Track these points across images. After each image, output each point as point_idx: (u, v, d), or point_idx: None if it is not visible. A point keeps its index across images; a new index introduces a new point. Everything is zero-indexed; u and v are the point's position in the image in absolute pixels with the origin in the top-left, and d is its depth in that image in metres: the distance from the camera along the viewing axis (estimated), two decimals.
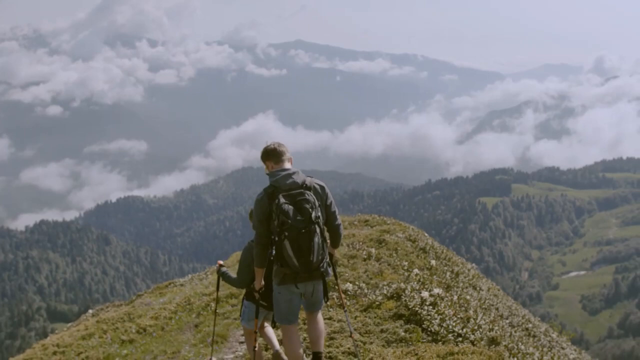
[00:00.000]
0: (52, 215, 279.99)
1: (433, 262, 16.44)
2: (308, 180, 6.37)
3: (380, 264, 14.66)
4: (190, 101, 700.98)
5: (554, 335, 18.95)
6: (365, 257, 15.31)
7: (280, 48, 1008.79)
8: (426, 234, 22.35)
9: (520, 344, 11.06)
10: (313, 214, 6.05)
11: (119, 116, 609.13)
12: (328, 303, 11.03)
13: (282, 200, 6.04)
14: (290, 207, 6.01)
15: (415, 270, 13.79)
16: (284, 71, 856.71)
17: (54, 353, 12.34)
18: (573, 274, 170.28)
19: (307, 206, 6.06)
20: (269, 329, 7.59)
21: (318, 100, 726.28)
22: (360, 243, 17.06)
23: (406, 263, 15.18)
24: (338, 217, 6.64)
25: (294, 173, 6.33)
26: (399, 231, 19.79)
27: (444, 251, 20.24)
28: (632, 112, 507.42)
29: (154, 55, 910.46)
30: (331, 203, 6.54)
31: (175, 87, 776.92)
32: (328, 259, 6.41)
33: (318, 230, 6.08)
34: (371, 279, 12.88)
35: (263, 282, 6.70)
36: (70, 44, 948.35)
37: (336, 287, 8.02)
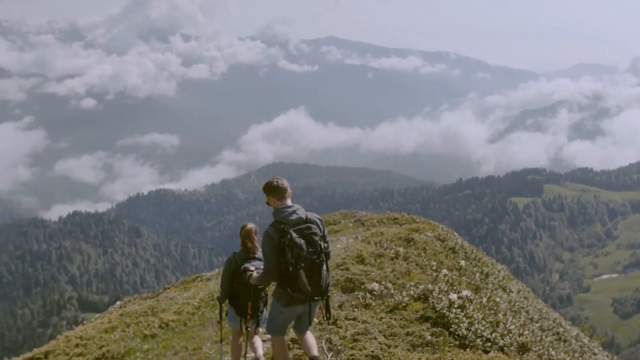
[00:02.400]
0: (84, 206, 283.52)
1: (462, 262, 16.12)
2: (309, 215, 6.97)
3: (408, 264, 14.38)
4: (222, 96, 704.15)
5: (586, 340, 18.53)
6: (393, 256, 15.04)
7: (312, 44, 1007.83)
8: (456, 234, 22.01)
9: (551, 349, 10.72)
10: (321, 245, 6.80)
11: (152, 110, 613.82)
12: (353, 303, 10.82)
13: (294, 235, 6.64)
14: (302, 240, 6.66)
15: (444, 271, 13.49)
16: (315, 67, 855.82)
17: (76, 345, 12.26)
18: (605, 276, 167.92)
19: (316, 238, 6.77)
20: (257, 339, 8.41)
21: (349, 96, 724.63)
22: (388, 241, 16.79)
23: (435, 263, 14.89)
24: (329, 245, 7.09)
25: (297, 209, 6.95)
26: (428, 230, 19.48)
27: (474, 251, 19.90)
28: None
29: (187, 50, 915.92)
30: (326, 233, 7.06)
31: (208, 81, 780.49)
32: (330, 280, 7.06)
33: (325, 258, 6.85)
34: (398, 278, 12.61)
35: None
36: (105, 38, 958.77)
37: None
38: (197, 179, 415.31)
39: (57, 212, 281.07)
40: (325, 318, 7.59)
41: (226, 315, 8.67)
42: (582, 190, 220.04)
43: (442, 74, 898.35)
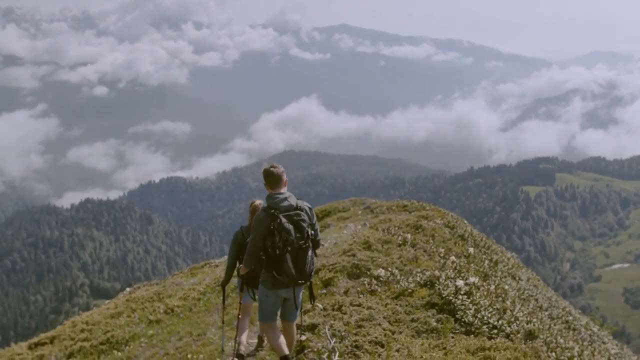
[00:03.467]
0: (96, 194, 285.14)
1: (471, 249, 16.00)
2: (300, 203, 7.29)
3: (415, 250, 14.27)
4: (234, 84, 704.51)
5: (595, 329, 18.41)
6: (401, 242, 14.93)
7: (324, 32, 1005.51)
8: (465, 221, 21.89)
9: (559, 337, 10.59)
10: (309, 232, 7.12)
11: (164, 98, 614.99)
12: (359, 289, 10.73)
13: (283, 220, 6.99)
14: (291, 226, 6.99)
15: (452, 258, 13.37)
16: (327, 55, 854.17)
17: (82, 330, 12.26)
18: (616, 266, 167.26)
19: (304, 225, 7.10)
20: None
21: (361, 85, 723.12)
22: (396, 228, 16.69)
23: (443, 250, 14.77)
24: (319, 233, 7.52)
25: (289, 196, 7.25)
26: (437, 217, 19.38)
27: (483, 239, 19.78)
28: None
29: (199, 37, 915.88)
30: (315, 222, 7.41)
31: (220, 69, 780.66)
32: (314, 266, 7.37)
33: (311, 245, 7.17)
34: (405, 265, 12.49)
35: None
36: (118, 26, 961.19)
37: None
38: (208, 167, 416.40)
39: (69, 199, 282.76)
40: (311, 302, 8.07)
41: (240, 290, 8.86)
42: (595, 180, 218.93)
43: (455, 62, 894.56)
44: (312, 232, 7.22)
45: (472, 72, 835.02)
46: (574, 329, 15.77)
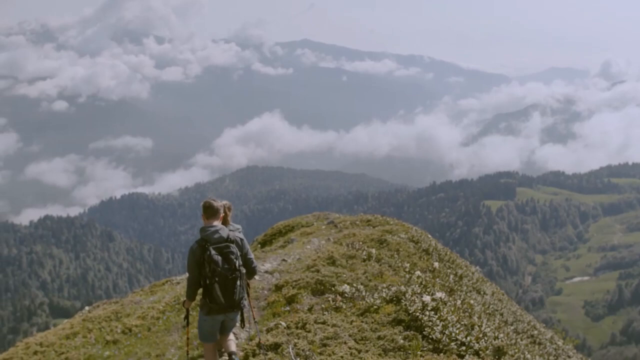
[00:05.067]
0: (56, 210, 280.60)
1: (436, 264, 15.84)
2: (231, 235, 7.76)
3: (380, 265, 14.06)
4: (196, 99, 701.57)
5: (560, 343, 18.40)
6: (365, 257, 14.71)
7: (286, 47, 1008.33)
8: (429, 236, 21.76)
9: (526, 352, 10.46)
10: (237, 263, 7.57)
11: (125, 113, 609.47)
12: (323, 306, 10.44)
13: (212, 252, 7.47)
14: (219, 257, 7.48)
15: (417, 273, 13.17)
16: (290, 70, 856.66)
17: (35, 353, 11.75)
18: (577, 279, 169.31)
19: (232, 257, 7.55)
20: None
21: (324, 99, 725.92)
22: (361, 243, 16.47)
23: (408, 265, 14.59)
24: (254, 261, 8.09)
25: (220, 229, 7.70)
26: (401, 232, 19.20)
27: (448, 253, 19.67)
28: (639, 117, 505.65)
29: (160, 52, 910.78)
30: (247, 251, 7.96)
31: (182, 84, 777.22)
32: (245, 294, 7.95)
33: (240, 275, 7.62)
34: (370, 280, 12.26)
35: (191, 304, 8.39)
36: (78, 40, 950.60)
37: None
38: (170, 183, 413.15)
39: (28, 216, 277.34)
40: (241, 326, 8.41)
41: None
42: (554, 194, 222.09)
43: (416, 77, 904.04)
44: (241, 263, 7.66)
45: (433, 87, 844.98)
46: (540, 343, 15.70)
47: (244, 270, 7.86)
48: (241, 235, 8.01)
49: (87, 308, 20.07)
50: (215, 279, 7.44)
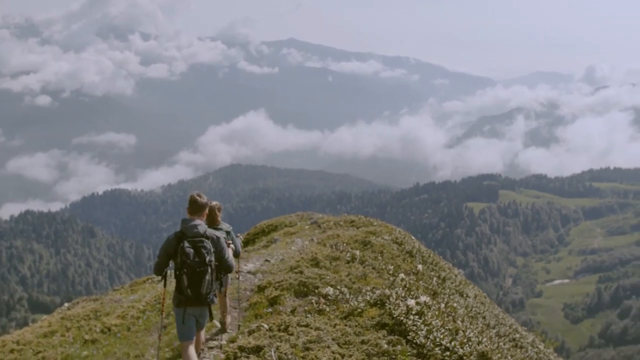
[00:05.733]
0: (37, 205, 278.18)
1: (420, 266, 15.78)
2: (209, 232, 8.01)
3: (364, 267, 13.95)
4: (181, 96, 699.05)
5: (541, 347, 18.36)
6: (349, 259, 14.60)
7: (272, 46, 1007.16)
8: (413, 237, 21.70)
9: (509, 356, 10.40)
10: (207, 258, 7.74)
11: (109, 109, 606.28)
12: (306, 308, 10.33)
13: (186, 244, 7.74)
14: (192, 250, 7.71)
15: (401, 275, 13.09)
16: (275, 69, 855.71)
17: (11, 351, 11.53)
18: (557, 282, 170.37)
19: (204, 251, 7.74)
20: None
21: (309, 99, 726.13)
22: (345, 244, 16.36)
23: (392, 267, 14.50)
24: (229, 259, 8.26)
25: (199, 225, 7.97)
26: (385, 233, 19.11)
27: (431, 255, 19.61)
28: (621, 123, 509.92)
29: (146, 48, 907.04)
30: (222, 249, 8.10)
31: (167, 81, 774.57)
32: (215, 291, 8.13)
33: (209, 270, 7.77)
34: (354, 282, 12.15)
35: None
36: (63, 35, 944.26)
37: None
38: (153, 180, 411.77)
39: (8, 210, 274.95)
40: (210, 319, 8.56)
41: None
42: (536, 197, 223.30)
43: (402, 79, 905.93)
44: (212, 259, 7.80)
45: (418, 89, 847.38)
46: (522, 347, 15.65)
47: (229, 263, 8.24)
48: (219, 234, 8.20)
49: (66, 304, 19.85)
50: (184, 270, 7.64)
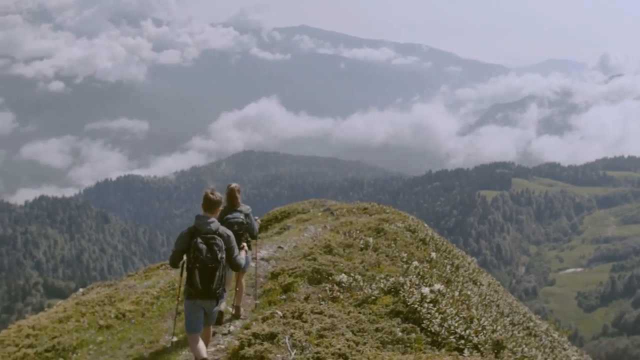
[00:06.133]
0: (51, 191, 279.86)
1: (433, 254, 15.74)
2: (221, 229, 8.31)
3: (377, 255, 13.93)
4: (193, 82, 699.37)
5: (555, 335, 18.34)
6: (363, 246, 14.59)
7: (285, 32, 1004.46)
8: (426, 225, 21.67)
9: (524, 345, 10.37)
10: (219, 255, 8.05)
11: (122, 95, 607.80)
12: (320, 296, 10.33)
13: (199, 240, 8.05)
14: (204, 246, 8.02)
15: (415, 263, 13.06)
16: (288, 56, 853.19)
17: (27, 336, 11.59)
18: (570, 270, 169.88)
19: (216, 248, 8.05)
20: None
21: (322, 86, 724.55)
22: (358, 231, 16.35)
23: (405, 254, 14.47)
24: (237, 258, 8.54)
25: (212, 222, 8.29)
26: (398, 220, 19.08)
27: (444, 243, 19.59)
28: (636, 111, 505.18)
29: (158, 34, 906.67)
30: (232, 247, 8.38)
31: (179, 67, 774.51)
32: (224, 286, 8.45)
33: (220, 266, 8.10)
34: (367, 270, 12.14)
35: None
36: (75, 20, 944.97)
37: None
38: (166, 166, 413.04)
39: (22, 196, 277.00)
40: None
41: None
42: (549, 185, 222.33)
43: (414, 66, 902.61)
44: (223, 256, 8.10)
45: (431, 76, 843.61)
46: (535, 335, 15.65)
47: (238, 262, 8.53)
48: (229, 232, 8.47)
49: (81, 290, 20.01)
50: (197, 265, 7.95)
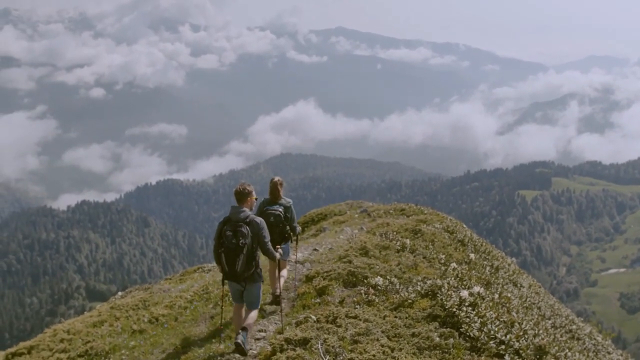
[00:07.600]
0: (92, 196, 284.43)
1: (472, 255, 15.37)
2: (250, 217, 9.01)
3: (415, 257, 13.64)
4: (231, 86, 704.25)
5: (599, 338, 17.78)
6: (399, 248, 14.29)
7: (321, 35, 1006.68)
8: (464, 226, 21.25)
9: (567, 350, 9.98)
10: (241, 241, 8.78)
11: (161, 100, 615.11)
12: (355, 299, 10.09)
13: (227, 228, 8.90)
14: (231, 233, 8.83)
15: (453, 264, 12.73)
16: (324, 58, 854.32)
17: (62, 340, 11.60)
18: (612, 271, 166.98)
19: (240, 235, 8.79)
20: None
21: (359, 88, 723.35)
22: (395, 233, 16.05)
23: (443, 256, 14.14)
24: (268, 244, 9.16)
25: (242, 212, 9.03)
26: (436, 222, 18.73)
27: (483, 244, 19.16)
28: None
29: (196, 40, 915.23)
30: (262, 235, 9.05)
31: (217, 72, 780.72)
32: (257, 271, 9.17)
33: (244, 251, 8.82)
34: (404, 272, 11.85)
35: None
36: (115, 28, 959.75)
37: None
38: (205, 170, 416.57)
39: (64, 201, 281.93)
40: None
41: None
42: (591, 184, 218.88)
43: (452, 66, 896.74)
44: (245, 242, 8.79)
45: (469, 75, 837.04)
46: (579, 339, 15.16)
47: (267, 247, 9.16)
48: (259, 220, 9.10)
49: (119, 293, 20.06)
50: (222, 249, 8.85)
